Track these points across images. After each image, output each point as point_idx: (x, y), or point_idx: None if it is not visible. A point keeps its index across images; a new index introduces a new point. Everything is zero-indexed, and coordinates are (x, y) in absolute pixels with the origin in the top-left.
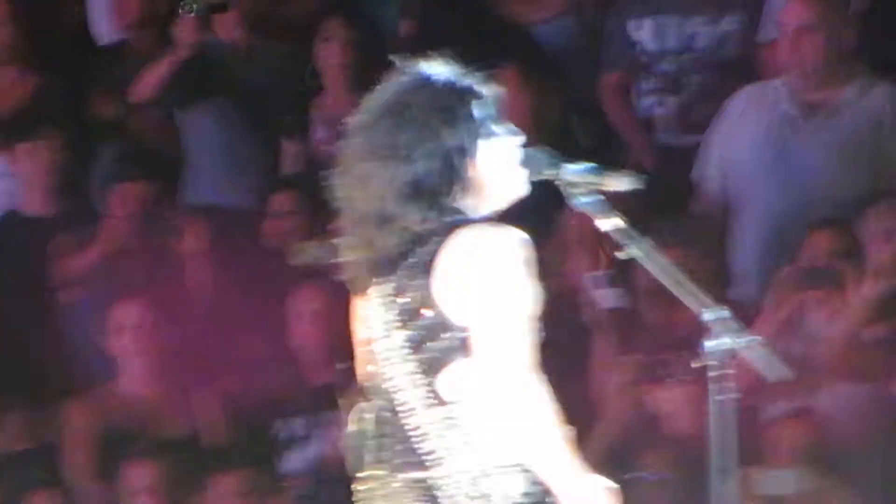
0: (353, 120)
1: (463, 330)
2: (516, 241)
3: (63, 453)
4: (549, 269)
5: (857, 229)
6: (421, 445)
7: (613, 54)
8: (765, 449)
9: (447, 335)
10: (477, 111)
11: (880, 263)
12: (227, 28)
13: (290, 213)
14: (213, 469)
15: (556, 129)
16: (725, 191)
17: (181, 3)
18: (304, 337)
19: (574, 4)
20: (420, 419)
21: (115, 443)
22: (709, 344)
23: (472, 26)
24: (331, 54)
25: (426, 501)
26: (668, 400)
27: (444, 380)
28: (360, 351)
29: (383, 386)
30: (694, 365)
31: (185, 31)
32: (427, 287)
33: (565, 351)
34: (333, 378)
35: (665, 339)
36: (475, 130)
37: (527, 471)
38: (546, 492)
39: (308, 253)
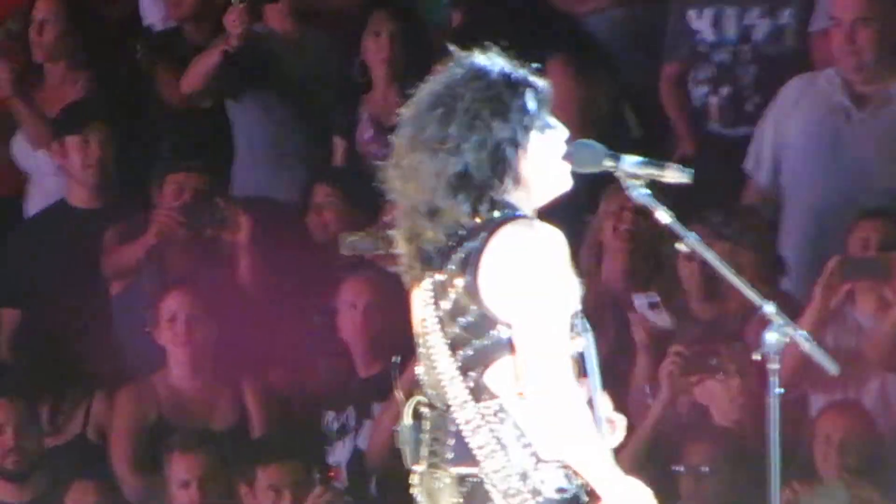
0: (405, 111)
1: (507, 326)
2: (554, 238)
3: (109, 444)
4: (584, 269)
5: None
6: (470, 440)
7: (672, 43)
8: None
9: (493, 331)
10: (528, 103)
11: None
12: (277, 19)
13: (332, 205)
14: (259, 460)
15: (606, 120)
16: (776, 181)
17: None
18: (353, 328)
19: None
20: (469, 414)
21: (162, 434)
22: (768, 337)
23: (522, 18)
24: (378, 48)
25: (476, 496)
26: (717, 392)
27: (492, 374)
28: (415, 343)
29: (434, 379)
30: (754, 357)
31: (235, 21)
32: (473, 283)
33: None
34: (382, 370)
35: (712, 331)
36: (526, 122)
37: (566, 465)
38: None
39: (355, 244)
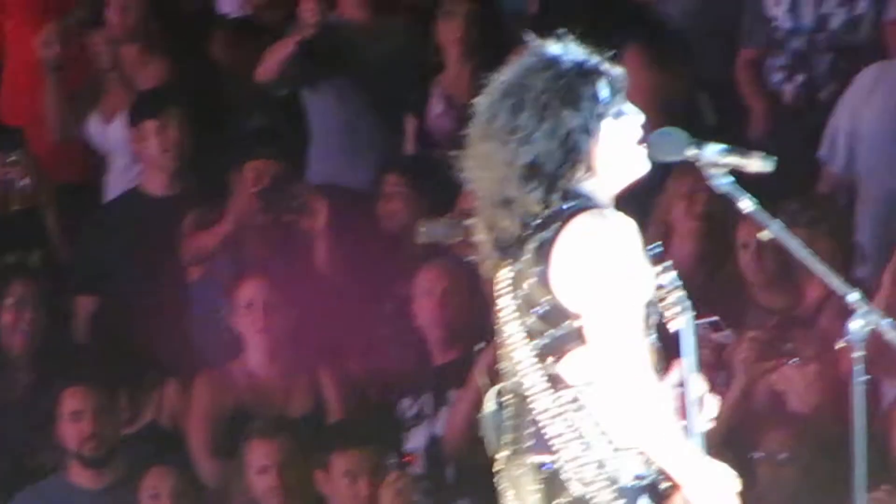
0: (477, 101)
1: (580, 317)
2: (626, 228)
3: (185, 430)
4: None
5: None
6: (547, 429)
7: (748, 30)
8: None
9: (565, 322)
10: (601, 91)
11: None
12: (351, 6)
13: (401, 194)
14: (335, 447)
15: (681, 108)
16: (851, 169)
17: None
18: (429, 315)
19: None
20: (546, 403)
21: (239, 420)
22: (853, 325)
23: (598, 6)
24: (451, 29)
25: (553, 484)
26: (794, 378)
27: (567, 364)
28: (496, 332)
29: (513, 368)
30: (838, 345)
31: (309, 9)
32: (545, 273)
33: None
34: (458, 357)
35: (786, 319)
36: (598, 110)
37: (644, 453)
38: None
39: (432, 232)
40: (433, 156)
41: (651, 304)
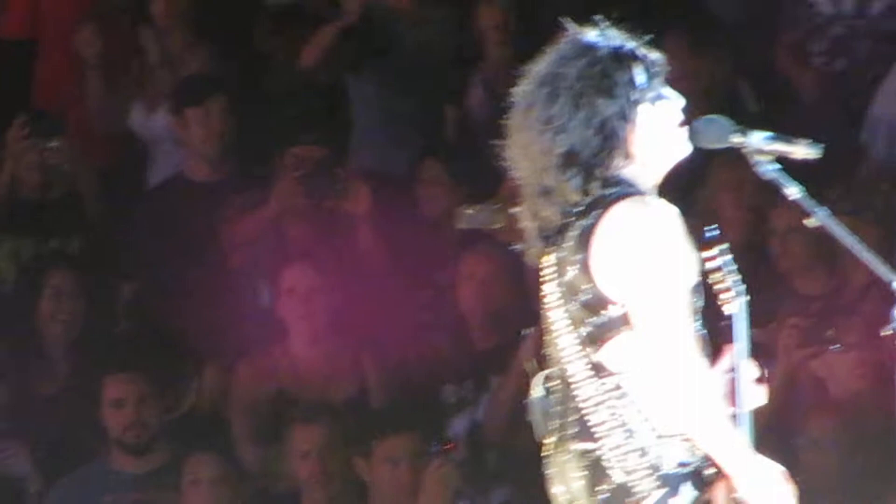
0: (516, 90)
1: (621, 305)
2: (668, 214)
3: (226, 416)
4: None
5: None
6: (591, 417)
7: (789, 15)
8: None
9: (606, 310)
10: (637, 76)
11: None
12: None
13: (440, 180)
14: (376, 433)
15: (723, 95)
16: (891, 155)
17: None
18: (471, 301)
19: None
20: (589, 391)
21: (281, 406)
22: None
23: None
24: (491, 16)
25: (596, 472)
26: (835, 364)
27: (610, 352)
28: (541, 317)
29: (558, 355)
30: (883, 333)
31: None
32: (586, 261)
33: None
34: (499, 343)
35: (827, 306)
36: (635, 96)
37: (689, 440)
38: (707, 459)
39: (473, 218)
40: (473, 142)
41: (696, 290)
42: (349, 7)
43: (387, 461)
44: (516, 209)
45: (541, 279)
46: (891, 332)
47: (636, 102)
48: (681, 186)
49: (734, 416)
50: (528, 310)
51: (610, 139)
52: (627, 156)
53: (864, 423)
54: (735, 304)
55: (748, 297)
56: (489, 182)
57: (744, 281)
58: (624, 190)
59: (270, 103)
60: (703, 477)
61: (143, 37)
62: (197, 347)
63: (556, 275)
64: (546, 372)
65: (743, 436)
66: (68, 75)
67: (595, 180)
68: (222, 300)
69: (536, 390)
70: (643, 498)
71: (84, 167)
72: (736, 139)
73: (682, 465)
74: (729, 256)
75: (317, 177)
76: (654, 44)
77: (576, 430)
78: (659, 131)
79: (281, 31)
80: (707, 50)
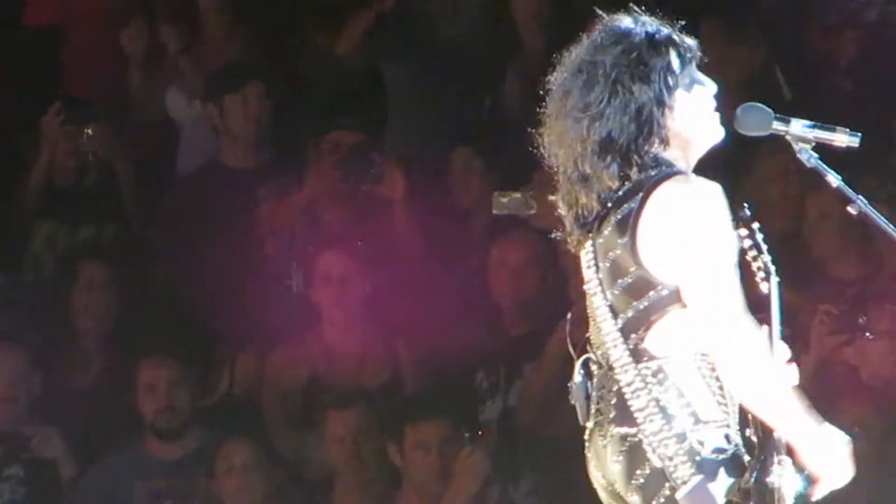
0: (552, 78)
1: (668, 286)
2: (713, 191)
3: (259, 401)
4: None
5: None
6: (632, 402)
7: (823, 2)
8: None
9: (652, 292)
10: (672, 62)
11: None
12: None
13: (474, 166)
14: (410, 418)
15: (759, 83)
16: None
17: None
18: (504, 288)
19: None
20: (630, 377)
21: (315, 391)
22: None
23: None
24: (528, 5)
25: (635, 456)
26: (867, 351)
27: (653, 336)
28: (584, 304)
29: (599, 340)
30: None
31: None
32: (632, 244)
33: None
34: (532, 329)
35: (861, 292)
36: (671, 82)
37: (727, 426)
38: (749, 445)
39: (507, 204)
40: (507, 130)
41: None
42: None
43: (419, 447)
44: (551, 197)
45: (579, 266)
46: None
47: (672, 88)
48: (726, 175)
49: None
50: (560, 296)
51: (647, 125)
52: (664, 141)
53: (894, 411)
54: (768, 284)
55: (780, 280)
56: (522, 170)
57: (786, 271)
58: (666, 171)
59: (306, 89)
60: (741, 464)
61: (165, 33)
62: (231, 334)
63: (595, 261)
64: (586, 356)
65: (806, 404)
66: (97, 63)
67: (632, 166)
68: (257, 286)
69: (577, 375)
70: (681, 483)
71: (120, 154)
72: (777, 127)
73: (719, 451)
74: (762, 236)
75: (352, 162)
76: (689, 30)
77: (614, 414)
78: (694, 117)
79: (318, 17)
80: (742, 37)
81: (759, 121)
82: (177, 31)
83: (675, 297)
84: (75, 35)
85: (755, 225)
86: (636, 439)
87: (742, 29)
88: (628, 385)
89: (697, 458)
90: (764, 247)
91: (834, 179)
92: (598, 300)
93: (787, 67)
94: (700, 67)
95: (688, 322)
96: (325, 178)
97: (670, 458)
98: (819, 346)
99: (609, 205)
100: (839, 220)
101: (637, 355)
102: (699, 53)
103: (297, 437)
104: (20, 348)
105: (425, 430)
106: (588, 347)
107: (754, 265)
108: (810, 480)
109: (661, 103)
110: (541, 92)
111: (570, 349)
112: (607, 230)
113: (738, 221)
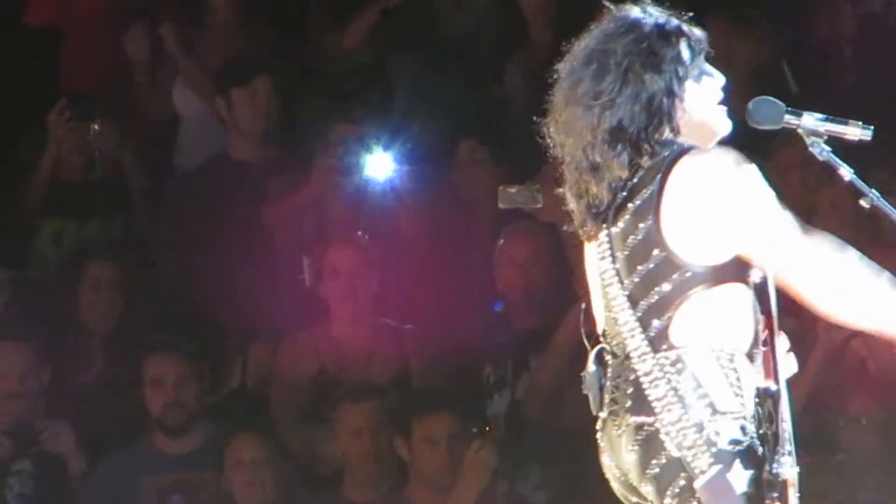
0: (561, 67)
1: (692, 268)
2: (728, 154)
3: (268, 396)
4: None
5: None
6: (649, 392)
7: None
8: None
9: (676, 274)
10: (682, 53)
11: None
12: None
13: (479, 160)
14: (418, 412)
15: (767, 77)
16: None
17: None
18: (511, 281)
19: None
20: (648, 366)
21: (324, 385)
22: None
23: None
24: None
25: (651, 445)
26: (875, 343)
27: (676, 321)
28: (594, 295)
29: (615, 330)
30: None
31: None
32: (656, 226)
33: None
34: (539, 322)
35: None
36: (681, 72)
37: (743, 418)
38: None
39: (513, 197)
40: (514, 123)
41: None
42: None
43: (426, 441)
44: (559, 190)
45: (592, 257)
46: None
47: (683, 79)
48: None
49: (774, 389)
50: (567, 290)
51: (657, 114)
52: (674, 131)
53: None
54: (759, 273)
55: None
56: (529, 163)
57: None
58: (678, 149)
59: (314, 83)
60: (757, 455)
61: (165, 30)
62: (239, 328)
63: (611, 251)
64: (600, 346)
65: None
66: (98, 62)
67: (643, 155)
68: (265, 280)
69: (590, 365)
70: (699, 473)
71: (126, 149)
72: (790, 120)
73: (735, 442)
74: None
75: (356, 156)
76: (697, 22)
77: (630, 403)
78: (702, 108)
79: (325, 12)
80: (749, 30)
81: (770, 114)
82: (177, 29)
83: (700, 278)
84: (75, 34)
85: None
86: (653, 429)
87: (748, 22)
88: (646, 374)
89: (714, 448)
90: None
91: (847, 172)
92: (614, 290)
93: (793, 61)
94: (707, 60)
95: (709, 307)
96: (331, 172)
97: (689, 448)
98: (827, 337)
99: (624, 193)
100: (850, 212)
101: (655, 344)
102: (707, 45)
103: (306, 431)
104: (28, 344)
105: (433, 423)
106: (601, 338)
107: None
108: None
109: (671, 93)
110: (548, 82)
111: (584, 339)
112: (625, 217)
113: None
